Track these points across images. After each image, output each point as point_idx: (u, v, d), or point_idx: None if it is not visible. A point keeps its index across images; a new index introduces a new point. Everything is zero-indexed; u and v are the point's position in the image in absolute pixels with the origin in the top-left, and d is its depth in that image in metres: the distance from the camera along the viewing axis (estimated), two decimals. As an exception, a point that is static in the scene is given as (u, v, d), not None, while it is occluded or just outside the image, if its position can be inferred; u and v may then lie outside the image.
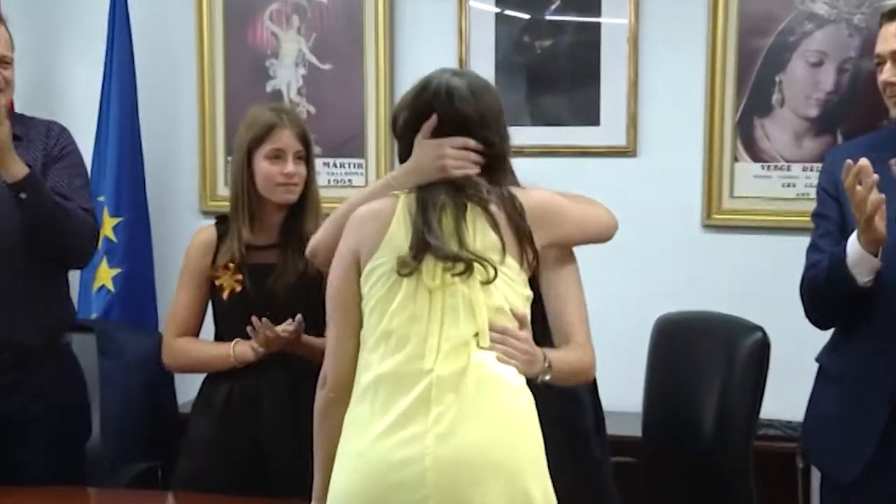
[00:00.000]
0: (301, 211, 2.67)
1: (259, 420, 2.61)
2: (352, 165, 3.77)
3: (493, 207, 2.03)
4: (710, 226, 3.53)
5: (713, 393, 2.73)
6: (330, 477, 2.01)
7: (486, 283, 1.98)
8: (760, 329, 2.62)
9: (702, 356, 2.80)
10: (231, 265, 2.65)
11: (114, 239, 3.67)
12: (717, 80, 3.48)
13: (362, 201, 2.13)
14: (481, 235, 2.01)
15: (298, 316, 2.51)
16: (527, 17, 3.62)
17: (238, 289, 2.64)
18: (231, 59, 3.83)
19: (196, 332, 2.74)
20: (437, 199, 2.02)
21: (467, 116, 2.07)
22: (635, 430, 2.89)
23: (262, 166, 2.63)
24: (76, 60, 3.92)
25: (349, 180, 3.77)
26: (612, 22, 3.56)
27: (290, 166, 2.62)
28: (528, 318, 2.05)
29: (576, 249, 2.24)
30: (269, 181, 2.63)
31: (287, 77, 3.79)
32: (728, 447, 2.62)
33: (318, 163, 3.71)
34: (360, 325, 2.05)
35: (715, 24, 3.47)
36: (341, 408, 2.03)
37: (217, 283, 2.67)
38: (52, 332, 2.86)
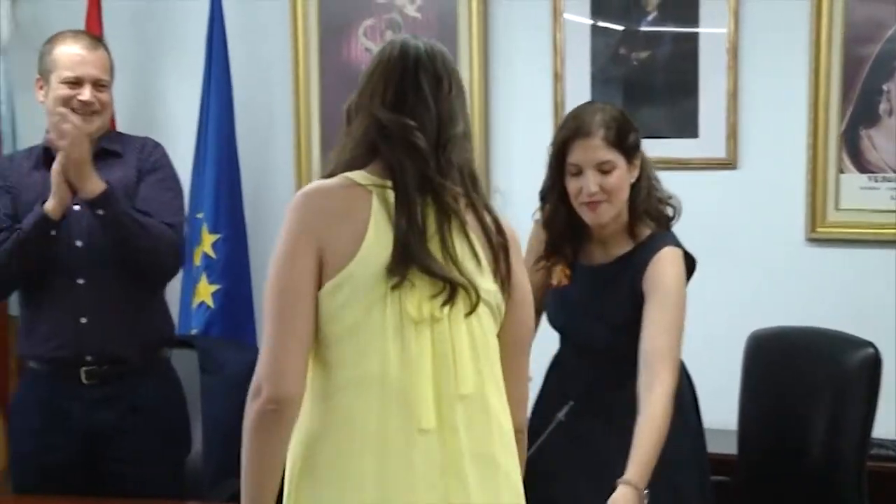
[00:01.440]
0: None
1: None
2: (446, 180, 3.77)
3: (462, 206, 1.83)
4: (815, 239, 3.45)
5: (820, 411, 2.68)
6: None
7: (469, 313, 1.81)
8: (871, 345, 2.56)
9: (805, 372, 2.75)
10: None
11: (213, 255, 3.71)
12: (821, 90, 3.40)
13: None
14: (458, 242, 1.82)
15: None
16: (623, 28, 3.58)
17: None
18: (325, 76, 3.85)
19: None
20: (416, 199, 1.80)
21: None
22: (729, 447, 2.82)
23: None
24: (175, 79, 3.98)
25: (444, 195, 3.77)
26: (711, 31, 3.50)
27: None
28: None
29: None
30: None
31: (382, 93, 3.82)
32: (839, 467, 2.57)
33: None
34: (310, 328, 1.78)
35: (818, 31, 3.39)
36: (282, 425, 1.78)
37: None
38: (150, 346, 2.91)
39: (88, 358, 2.81)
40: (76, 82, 2.82)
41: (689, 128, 3.53)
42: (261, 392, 1.76)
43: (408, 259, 1.77)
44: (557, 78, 3.59)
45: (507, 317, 1.89)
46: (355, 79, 3.79)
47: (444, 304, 1.79)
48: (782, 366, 2.80)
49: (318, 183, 1.85)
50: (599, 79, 3.56)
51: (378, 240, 1.78)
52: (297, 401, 1.79)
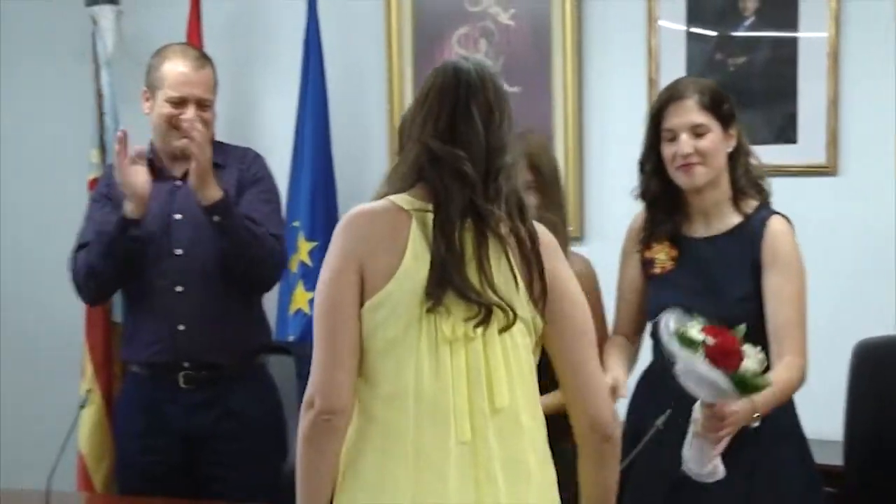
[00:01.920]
0: None
1: None
2: (540, 187, 3.77)
3: (504, 231, 1.88)
4: (919, 245, 3.37)
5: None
6: None
7: (504, 329, 1.86)
8: None
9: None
10: None
11: (309, 263, 3.74)
12: (925, 94, 3.33)
13: None
14: (495, 264, 1.87)
15: None
16: (719, 33, 3.54)
17: None
18: (420, 84, 3.85)
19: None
20: (455, 222, 1.85)
21: None
22: (834, 458, 2.78)
23: None
24: (272, 89, 4.05)
25: (538, 203, 3.77)
26: (811, 36, 3.44)
27: None
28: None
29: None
30: None
31: (475, 100, 3.82)
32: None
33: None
34: (355, 343, 1.86)
35: (923, 35, 3.32)
36: (334, 435, 1.87)
37: None
38: (246, 353, 2.96)
39: (186, 364, 2.89)
40: (181, 102, 2.90)
41: (787, 133, 3.48)
42: (314, 404, 1.86)
43: (443, 283, 1.83)
44: (652, 84, 3.57)
45: (556, 316, 1.93)
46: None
47: (477, 325, 1.85)
48: (892, 375, 2.75)
49: (361, 207, 1.93)
50: (695, 84, 3.53)
51: (416, 262, 1.84)
52: (347, 412, 1.87)
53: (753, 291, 2.44)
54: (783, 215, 2.51)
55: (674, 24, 3.57)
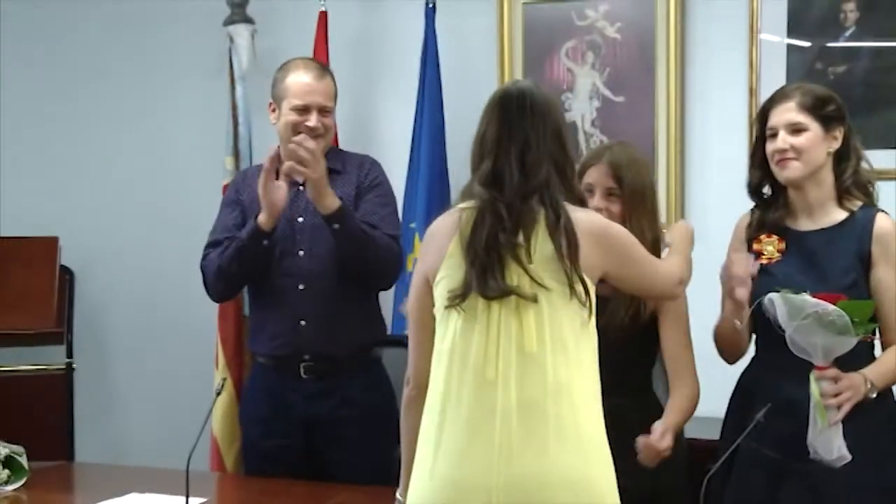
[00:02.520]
0: None
1: None
2: (644, 192, 3.79)
3: (546, 221, 2.11)
4: None
5: None
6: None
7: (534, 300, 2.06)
8: None
9: None
10: None
11: (424, 263, 3.82)
12: None
13: None
14: (540, 248, 2.09)
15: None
16: (819, 44, 3.54)
17: None
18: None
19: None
20: (491, 224, 2.10)
21: None
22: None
23: None
24: (392, 100, 4.12)
25: (642, 206, 3.79)
26: (912, 45, 3.42)
27: (598, 201, 2.62)
28: None
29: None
30: None
31: (582, 109, 3.86)
32: None
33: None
34: (432, 333, 2.17)
35: None
36: (421, 404, 2.15)
37: None
38: (362, 347, 3.03)
39: (306, 356, 2.96)
40: (304, 109, 2.96)
41: (889, 139, 3.45)
42: (408, 382, 2.25)
43: (468, 290, 2.09)
44: (752, 94, 3.57)
45: (616, 273, 2.21)
46: (558, 97, 3.92)
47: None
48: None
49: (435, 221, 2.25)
50: (795, 94, 3.53)
51: (455, 254, 2.12)
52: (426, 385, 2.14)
53: (859, 282, 2.47)
54: (887, 213, 2.54)
55: (774, 37, 3.58)
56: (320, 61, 3.32)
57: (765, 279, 2.52)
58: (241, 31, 4.07)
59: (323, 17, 4.03)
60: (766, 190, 2.63)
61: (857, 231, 2.49)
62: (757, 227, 2.61)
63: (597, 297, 2.54)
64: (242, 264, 2.95)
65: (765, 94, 3.49)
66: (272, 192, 2.86)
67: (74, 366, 4.15)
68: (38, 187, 4.49)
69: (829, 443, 2.35)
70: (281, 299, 2.98)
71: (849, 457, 2.34)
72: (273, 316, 3.01)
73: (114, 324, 4.52)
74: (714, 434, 2.67)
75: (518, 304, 2.06)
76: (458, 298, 2.08)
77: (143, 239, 4.44)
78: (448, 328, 2.10)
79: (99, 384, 4.47)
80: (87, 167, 4.52)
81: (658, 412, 2.60)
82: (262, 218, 2.88)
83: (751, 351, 2.68)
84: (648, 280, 2.29)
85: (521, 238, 2.09)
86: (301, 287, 2.96)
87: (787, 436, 2.45)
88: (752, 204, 2.69)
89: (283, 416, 3.01)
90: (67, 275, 4.26)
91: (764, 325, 2.54)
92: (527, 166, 2.14)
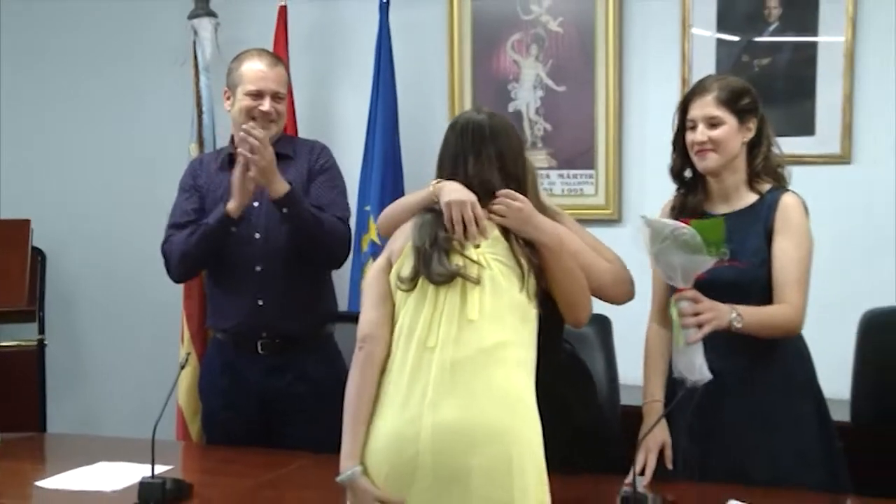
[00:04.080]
0: None
1: None
2: (583, 176, 3.81)
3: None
4: (924, 227, 3.37)
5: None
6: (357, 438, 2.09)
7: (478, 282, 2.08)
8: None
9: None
10: None
11: (378, 242, 3.80)
12: (933, 90, 3.32)
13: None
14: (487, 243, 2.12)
15: None
16: (745, 38, 3.56)
17: None
18: (477, 85, 3.93)
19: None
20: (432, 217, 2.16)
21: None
22: (843, 415, 2.79)
23: None
24: (348, 89, 4.10)
25: (581, 189, 3.81)
26: (829, 40, 3.45)
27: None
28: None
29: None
30: None
31: (527, 98, 3.87)
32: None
33: (554, 174, 3.81)
34: (390, 299, 2.15)
35: (932, 35, 3.31)
36: (370, 365, 2.11)
37: None
38: (315, 323, 3.01)
39: (264, 334, 2.93)
40: (258, 95, 2.93)
41: (806, 127, 3.49)
42: (360, 343, 2.14)
43: (418, 272, 2.10)
44: (685, 84, 3.58)
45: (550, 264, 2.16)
46: (504, 88, 3.96)
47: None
48: (894, 341, 2.76)
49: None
50: (723, 84, 3.54)
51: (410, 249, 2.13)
52: (378, 340, 2.12)
53: (768, 258, 2.48)
54: (796, 194, 2.54)
55: (704, 31, 3.59)
56: (273, 52, 3.27)
57: None
58: (204, 25, 4.03)
59: (283, 11, 4.00)
60: (688, 174, 2.63)
61: (765, 211, 2.51)
62: (679, 212, 2.61)
63: None
64: (208, 248, 2.92)
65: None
66: (247, 185, 2.83)
67: (46, 342, 4.10)
68: (10, 172, 4.43)
69: (690, 363, 2.30)
70: (239, 280, 2.95)
71: (710, 376, 2.31)
72: (232, 295, 2.98)
73: (84, 302, 4.47)
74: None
75: (464, 285, 2.07)
76: (408, 283, 2.10)
77: (112, 221, 4.40)
78: (403, 310, 2.11)
79: (70, 359, 4.42)
80: (59, 154, 4.46)
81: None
82: (232, 206, 2.85)
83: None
84: (585, 269, 2.27)
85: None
86: (258, 268, 2.93)
87: (708, 402, 2.45)
88: None
89: (240, 389, 2.98)
90: (39, 256, 4.21)
91: None
92: (477, 176, 2.19)
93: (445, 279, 2.07)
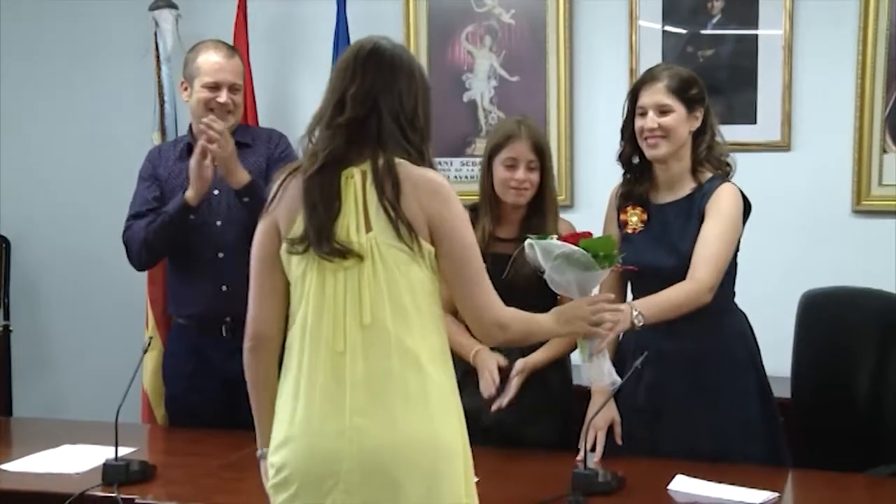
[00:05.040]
0: (539, 210, 2.66)
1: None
2: (536, 164, 3.79)
3: (376, 184, 1.86)
4: (860, 211, 3.42)
5: (865, 359, 2.66)
6: (263, 426, 1.98)
7: (362, 262, 1.85)
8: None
9: (853, 327, 2.73)
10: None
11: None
12: (867, 80, 3.36)
13: None
14: (374, 211, 1.86)
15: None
16: (690, 31, 3.57)
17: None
18: (433, 76, 3.87)
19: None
20: (326, 179, 1.86)
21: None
22: (783, 392, 2.79)
23: (499, 171, 2.65)
24: (308, 82, 4.04)
25: (534, 176, 3.79)
26: (768, 33, 3.47)
27: (521, 174, 2.62)
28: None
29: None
30: (503, 185, 2.65)
31: (481, 89, 3.85)
32: (882, 409, 2.55)
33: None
34: (281, 284, 1.94)
35: (865, 29, 3.35)
36: (262, 357, 1.99)
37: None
38: None
39: (228, 318, 2.88)
40: (215, 87, 2.88)
41: (748, 115, 3.50)
42: (250, 335, 2.00)
43: (306, 238, 1.86)
44: (633, 74, 3.58)
45: (444, 251, 1.89)
46: (459, 78, 3.91)
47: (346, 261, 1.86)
48: (833, 320, 2.78)
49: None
50: (669, 74, 3.54)
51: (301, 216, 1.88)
52: (271, 338, 1.97)
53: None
54: (734, 184, 2.53)
55: (651, 24, 3.59)
56: (229, 44, 3.20)
57: (629, 248, 2.51)
58: (165, 16, 3.97)
59: (242, 3, 3.94)
60: (636, 160, 2.61)
61: (700, 200, 2.50)
62: (624, 199, 2.61)
63: (501, 255, 2.56)
64: (168, 237, 2.87)
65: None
66: (205, 173, 2.78)
67: (11, 328, 4.02)
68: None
69: (599, 370, 2.27)
70: (202, 267, 2.91)
71: (619, 380, 2.29)
72: (195, 282, 2.93)
73: (48, 288, 4.38)
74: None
75: (360, 270, 1.86)
76: (298, 246, 1.88)
77: (76, 209, 4.31)
78: (302, 301, 1.90)
79: (35, 345, 4.34)
80: (23, 143, 4.36)
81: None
82: (190, 194, 2.81)
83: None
84: (468, 276, 1.92)
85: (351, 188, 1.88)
86: (220, 255, 2.89)
87: (655, 381, 2.49)
88: None
89: (204, 373, 2.94)
90: (3, 243, 4.12)
91: (632, 285, 2.59)
92: (368, 117, 1.88)
93: (337, 254, 1.85)
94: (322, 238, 1.85)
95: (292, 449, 1.88)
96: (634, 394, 2.50)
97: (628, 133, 2.59)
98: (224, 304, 2.88)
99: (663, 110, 2.49)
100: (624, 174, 2.65)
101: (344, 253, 1.85)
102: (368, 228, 1.86)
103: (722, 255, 2.43)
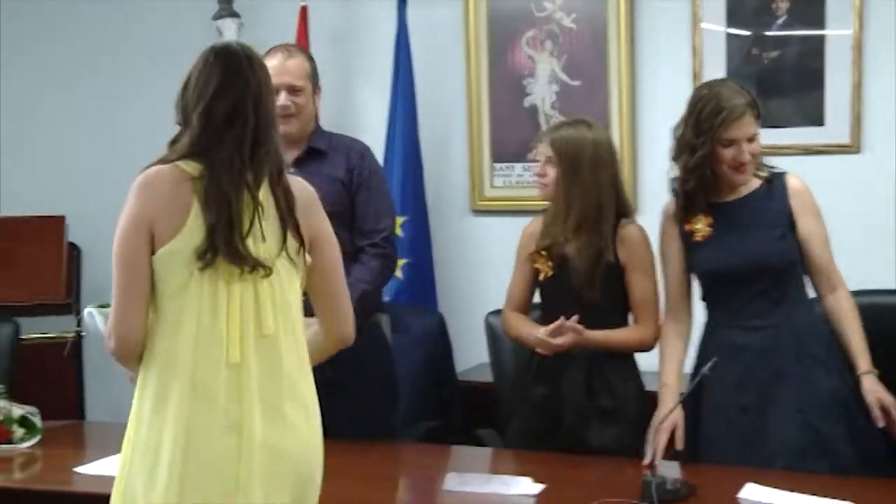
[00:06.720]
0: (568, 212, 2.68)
1: (559, 389, 2.66)
2: (598, 168, 3.78)
3: (273, 195, 1.89)
4: (931, 211, 3.35)
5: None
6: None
7: (265, 276, 1.87)
8: None
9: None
10: (544, 252, 2.70)
11: (400, 234, 3.78)
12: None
13: None
14: (269, 223, 1.88)
15: (573, 318, 2.56)
16: (754, 33, 3.53)
17: (549, 273, 2.69)
18: (494, 81, 3.91)
19: (526, 307, 2.80)
20: (230, 192, 1.85)
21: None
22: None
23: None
24: (368, 89, 4.08)
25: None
26: (836, 34, 3.42)
27: (539, 168, 2.71)
28: None
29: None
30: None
31: (542, 93, 3.85)
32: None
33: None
34: (148, 289, 1.86)
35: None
36: (130, 363, 1.92)
37: (535, 266, 2.73)
38: (366, 313, 2.93)
39: None
40: (274, 90, 2.86)
41: (815, 117, 3.46)
42: (111, 341, 1.90)
43: (214, 249, 1.83)
44: (696, 77, 3.56)
45: (315, 258, 1.96)
46: (519, 83, 3.93)
47: (243, 273, 1.86)
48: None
49: (151, 169, 1.92)
50: (734, 76, 3.47)
51: (197, 222, 1.85)
52: (139, 345, 1.88)
53: (787, 235, 2.52)
54: (794, 175, 2.60)
55: (714, 26, 3.56)
56: (293, 44, 3.16)
57: (702, 253, 2.56)
58: (228, 25, 4.03)
59: (304, 11, 3.99)
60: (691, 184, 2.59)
61: (777, 192, 2.55)
62: (685, 211, 2.60)
63: (560, 257, 2.62)
64: None
65: (707, 78, 3.51)
66: None
67: (83, 334, 4.10)
68: (46, 170, 4.42)
69: None
70: None
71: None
72: None
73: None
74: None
75: (255, 282, 1.87)
76: (202, 260, 1.83)
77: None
78: (185, 311, 1.85)
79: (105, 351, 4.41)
80: (92, 152, 4.46)
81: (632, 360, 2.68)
82: None
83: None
84: (333, 283, 2.03)
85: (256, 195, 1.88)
86: None
87: (736, 378, 2.48)
88: None
89: None
90: (75, 251, 4.21)
91: (708, 289, 2.58)
92: (259, 124, 1.90)
93: (249, 264, 1.84)
94: (231, 250, 1.83)
95: (201, 465, 1.83)
96: (739, 392, 2.50)
97: (703, 157, 2.53)
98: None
99: (752, 138, 2.52)
100: (674, 195, 2.64)
101: (253, 265, 1.85)
102: (263, 239, 1.88)
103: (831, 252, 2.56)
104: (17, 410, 2.89)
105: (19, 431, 2.87)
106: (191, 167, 1.89)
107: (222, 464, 1.83)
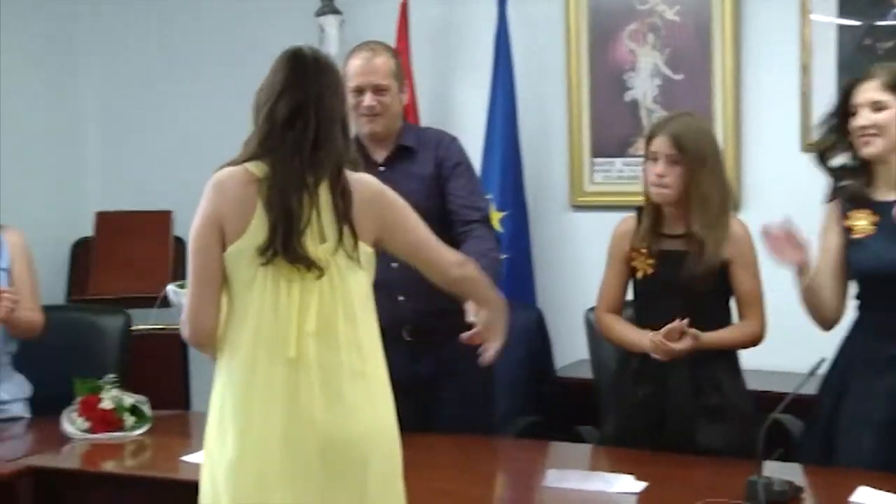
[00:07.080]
0: (691, 207, 2.61)
1: (665, 388, 2.62)
2: (702, 163, 3.72)
3: (331, 194, 1.97)
4: None
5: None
6: None
7: (321, 276, 1.94)
8: None
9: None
10: (644, 250, 2.67)
11: (500, 230, 3.77)
12: None
13: None
14: (327, 222, 1.96)
15: (684, 321, 2.51)
16: (866, 23, 3.42)
17: (650, 272, 2.66)
18: (594, 74, 3.88)
19: (620, 307, 2.77)
20: (291, 192, 1.94)
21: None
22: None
23: (646, 169, 2.66)
24: (468, 83, 4.08)
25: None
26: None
27: (660, 168, 2.60)
28: None
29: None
30: (646, 181, 2.66)
31: (643, 87, 3.80)
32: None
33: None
34: (220, 282, 1.97)
35: None
36: (206, 351, 2.03)
37: (633, 264, 2.69)
38: (454, 313, 2.95)
39: (408, 327, 2.86)
40: (359, 91, 2.81)
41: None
42: (187, 329, 2.01)
43: (274, 248, 1.92)
44: (805, 70, 3.48)
45: (397, 236, 2.06)
46: (619, 77, 3.89)
47: (304, 271, 1.94)
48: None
49: (223, 171, 2.02)
50: (846, 67, 3.40)
51: (261, 222, 1.94)
52: (213, 335, 1.98)
53: None
54: None
55: (824, 17, 3.47)
56: (379, 42, 3.08)
57: (863, 253, 2.46)
58: (330, 22, 4.07)
59: (404, 7, 4.02)
60: (850, 161, 2.52)
61: None
62: (846, 204, 2.52)
63: (674, 252, 2.58)
64: None
65: (817, 71, 3.46)
66: None
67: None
68: (154, 167, 4.55)
69: None
70: (378, 277, 2.92)
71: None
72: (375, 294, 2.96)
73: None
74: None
75: (313, 278, 1.95)
76: (263, 258, 1.93)
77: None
78: (250, 307, 1.95)
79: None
80: (197, 148, 4.55)
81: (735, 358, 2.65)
82: None
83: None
84: (425, 250, 2.12)
85: (316, 198, 1.97)
86: (394, 265, 2.85)
87: (886, 391, 2.40)
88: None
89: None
90: (181, 245, 4.31)
91: (865, 289, 2.49)
92: (321, 125, 1.98)
93: (304, 262, 1.93)
94: (289, 250, 1.92)
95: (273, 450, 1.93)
96: (867, 404, 2.42)
97: (836, 125, 2.51)
98: (400, 314, 2.84)
99: (878, 107, 2.43)
100: (834, 180, 2.55)
101: (309, 265, 1.93)
102: (323, 240, 1.96)
103: None
104: (128, 399, 2.99)
105: (130, 420, 2.96)
106: (257, 168, 1.98)
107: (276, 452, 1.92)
